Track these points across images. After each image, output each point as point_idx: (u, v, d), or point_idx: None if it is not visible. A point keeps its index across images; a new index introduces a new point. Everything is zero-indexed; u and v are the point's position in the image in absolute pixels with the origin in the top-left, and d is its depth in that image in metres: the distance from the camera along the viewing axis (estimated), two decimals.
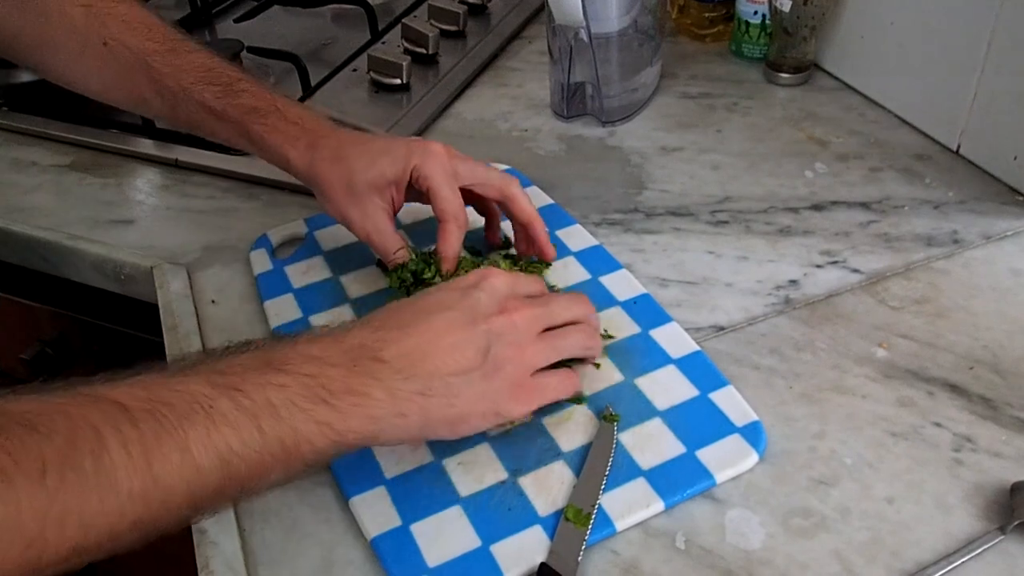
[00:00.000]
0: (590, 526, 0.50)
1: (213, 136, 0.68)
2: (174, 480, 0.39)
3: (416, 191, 0.63)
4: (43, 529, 0.35)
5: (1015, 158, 0.75)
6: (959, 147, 0.80)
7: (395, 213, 0.64)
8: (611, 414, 0.56)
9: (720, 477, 0.53)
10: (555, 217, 0.74)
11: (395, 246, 0.63)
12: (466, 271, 0.60)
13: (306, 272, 0.70)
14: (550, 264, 0.68)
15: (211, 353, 0.47)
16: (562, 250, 0.70)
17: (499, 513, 0.52)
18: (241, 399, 0.42)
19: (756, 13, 0.92)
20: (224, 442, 0.41)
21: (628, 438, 0.55)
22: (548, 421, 0.57)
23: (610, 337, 0.62)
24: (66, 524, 0.36)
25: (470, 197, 0.65)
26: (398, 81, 0.91)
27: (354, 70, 0.96)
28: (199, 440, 0.40)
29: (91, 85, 0.69)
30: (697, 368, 0.60)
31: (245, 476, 0.42)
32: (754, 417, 0.56)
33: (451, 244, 0.61)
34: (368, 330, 0.49)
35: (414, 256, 0.63)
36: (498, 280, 0.53)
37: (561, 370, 0.55)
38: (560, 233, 0.72)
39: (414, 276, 0.62)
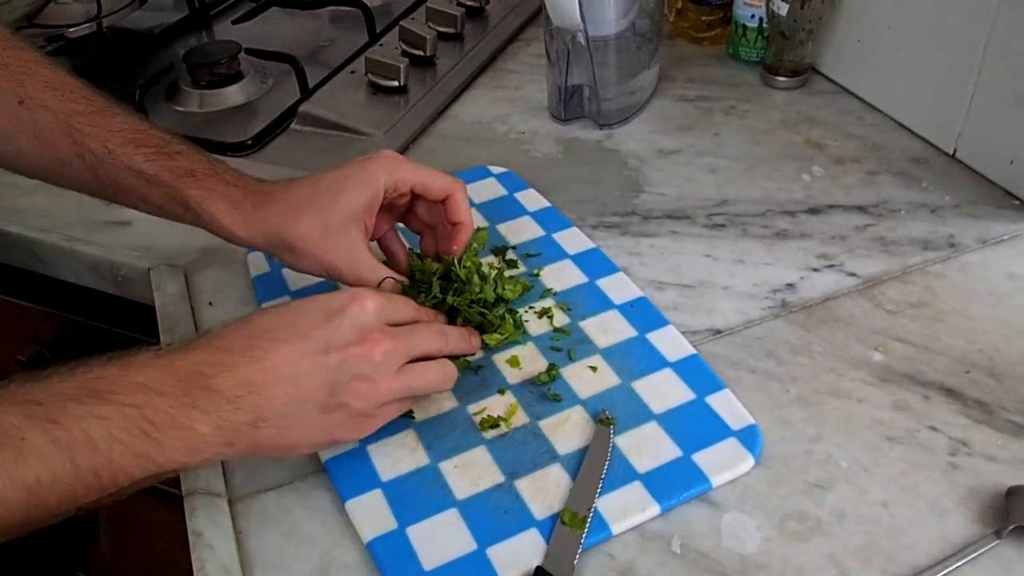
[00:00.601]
0: (586, 529, 0.50)
1: (143, 203, 0.62)
2: None
3: (383, 210, 0.61)
4: None
5: (1011, 162, 0.75)
6: (955, 151, 0.80)
7: (370, 240, 0.61)
8: (607, 417, 0.57)
9: (716, 481, 0.53)
10: (552, 220, 0.74)
11: (380, 273, 0.60)
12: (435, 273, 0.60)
13: (302, 274, 0.70)
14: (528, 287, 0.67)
15: (33, 377, 0.45)
16: (559, 253, 0.70)
17: (495, 516, 0.52)
18: (56, 431, 0.42)
19: (753, 16, 0.92)
20: (32, 475, 0.41)
21: (624, 441, 0.55)
22: (544, 424, 0.57)
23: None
24: None
25: (407, 214, 0.64)
26: (396, 83, 0.91)
27: (352, 72, 0.96)
28: (4, 475, 0.40)
29: (9, 148, 0.62)
30: (693, 371, 0.60)
31: (55, 505, 0.42)
32: (750, 421, 0.56)
33: (467, 209, 0.61)
34: (208, 351, 0.48)
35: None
36: (368, 306, 0.51)
37: (397, 401, 0.53)
38: (557, 236, 0.72)
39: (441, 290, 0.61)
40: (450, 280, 0.61)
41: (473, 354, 0.60)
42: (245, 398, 0.47)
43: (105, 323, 0.87)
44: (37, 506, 0.41)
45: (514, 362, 0.61)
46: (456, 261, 0.61)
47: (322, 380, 0.49)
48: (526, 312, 0.65)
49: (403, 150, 0.85)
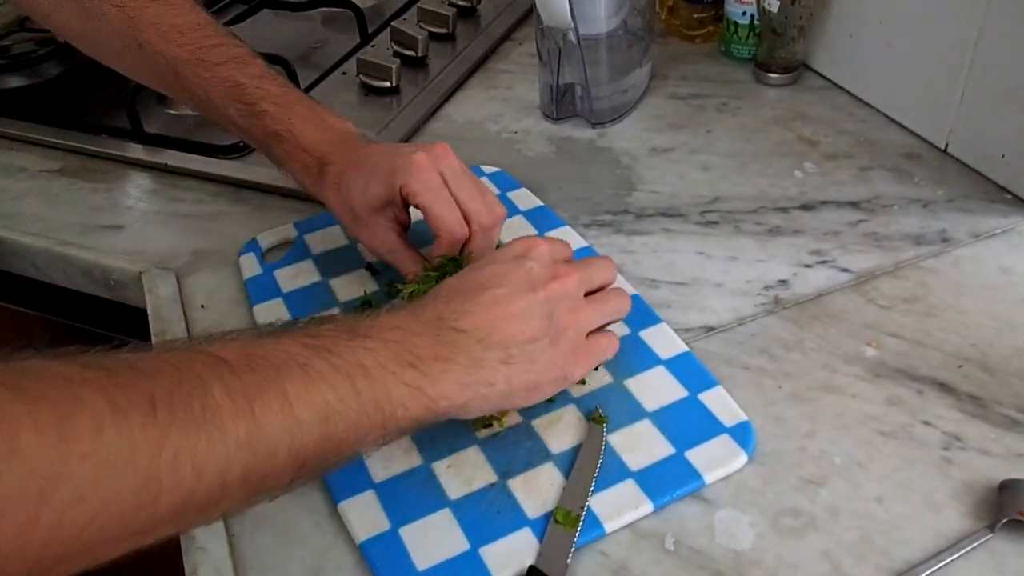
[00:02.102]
0: (579, 528, 0.50)
1: (245, 142, 0.71)
2: (277, 431, 0.39)
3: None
4: (157, 467, 0.35)
5: (1003, 156, 0.75)
6: (947, 146, 0.80)
7: (405, 227, 0.64)
8: (600, 415, 0.56)
9: (709, 478, 0.53)
10: (545, 219, 0.74)
11: (409, 263, 0.63)
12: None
13: (295, 276, 0.70)
14: None
15: (293, 323, 0.47)
16: None
17: (488, 516, 0.51)
18: (334, 359, 0.43)
19: (744, 14, 0.92)
20: (322, 397, 0.41)
21: (617, 439, 0.55)
22: (537, 423, 0.57)
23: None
24: (179, 463, 0.35)
25: None
26: (387, 84, 0.91)
27: (343, 73, 0.96)
28: (298, 394, 0.40)
29: (140, 80, 0.73)
30: (686, 369, 0.60)
31: (343, 436, 0.42)
32: (743, 417, 0.56)
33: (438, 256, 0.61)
34: (441, 303, 0.50)
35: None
36: (543, 248, 0.54)
37: (604, 333, 0.57)
38: (550, 235, 0.72)
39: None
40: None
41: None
42: (491, 336, 0.49)
43: (100, 328, 0.87)
44: (329, 434, 0.41)
45: None
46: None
47: (541, 314, 0.51)
48: None
49: None
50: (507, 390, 0.50)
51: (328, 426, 0.41)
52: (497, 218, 0.63)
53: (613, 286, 0.58)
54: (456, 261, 0.61)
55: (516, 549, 0.50)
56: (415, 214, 0.63)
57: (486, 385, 0.48)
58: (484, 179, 0.79)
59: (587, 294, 0.56)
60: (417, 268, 0.62)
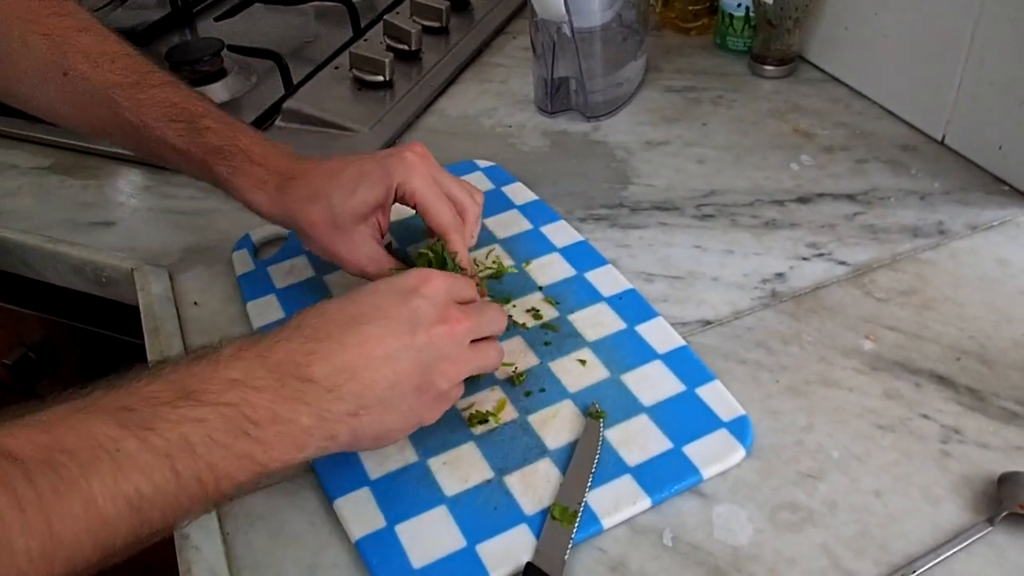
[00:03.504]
0: (576, 524, 0.50)
1: (180, 170, 0.66)
2: (79, 535, 0.37)
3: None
4: None
5: (1000, 147, 0.75)
6: (944, 137, 0.80)
7: (383, 235, 0.62)
8: (597, 411, 0.56)
9: (707, 472, 0.53)
10: (540, 213, 0.73)
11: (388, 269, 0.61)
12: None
13: (289, 272, 0.69)
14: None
15: (124, 379, 0.43)
16: (547, 246, 0.70)
17: (485, 512, 0.51)
18: (152, 439, 0.39)
19: (740, 6, 0.92)
20: (133, 488, 0.38)
21: (614, 435, 0.55)
22: (533, 419, 0.56)
23: (512, 367, 0.60)
24: None
25: None
26: (381, 78, 0.90)
27: (336, 68, 0.95)
28: (104, 490, 0.37)
29: (58, 114, 0.66)
30: (683, 363, 0.59)
31: (159, 519, 0.40)
32: (741, 411, 0.56)
33: (462, 254, 0.60)
34: (298, 341, 0.46)
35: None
36: (439, 285, 0.51)
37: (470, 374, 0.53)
38: (545, 229, 0.72)
39: None
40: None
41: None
42: (344, 386, 0.45)
43: (92, 325, 0.86)
44: (142, 522, 0.39)
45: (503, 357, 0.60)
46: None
47: (414, 361, 0.48)
48: (513, 307, 0.64)
49: (389, 145, 0.85)
50: (350, 441, 0.47)
51: (141, 515, 0.39)
52: (480, 207, 0.63)
53: (494, 340, 0.55)
54: (442, 258, 0.60)
55: (513, 546, 0.49)
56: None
57: (327, 439, 0.45)
58: (478, 174, 0.79)
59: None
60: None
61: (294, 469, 0.46)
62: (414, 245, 0.70)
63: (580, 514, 0.50)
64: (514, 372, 0.59)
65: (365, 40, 0.99)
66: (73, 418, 0.39)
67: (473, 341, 0.52)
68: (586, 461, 0.53)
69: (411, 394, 0.48)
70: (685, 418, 0.56)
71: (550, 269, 0.68)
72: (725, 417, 0.55)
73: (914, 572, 0.47)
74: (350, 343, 0.46)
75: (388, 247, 0.69)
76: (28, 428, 0.38)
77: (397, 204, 0.61)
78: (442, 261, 0.59)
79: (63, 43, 0.63)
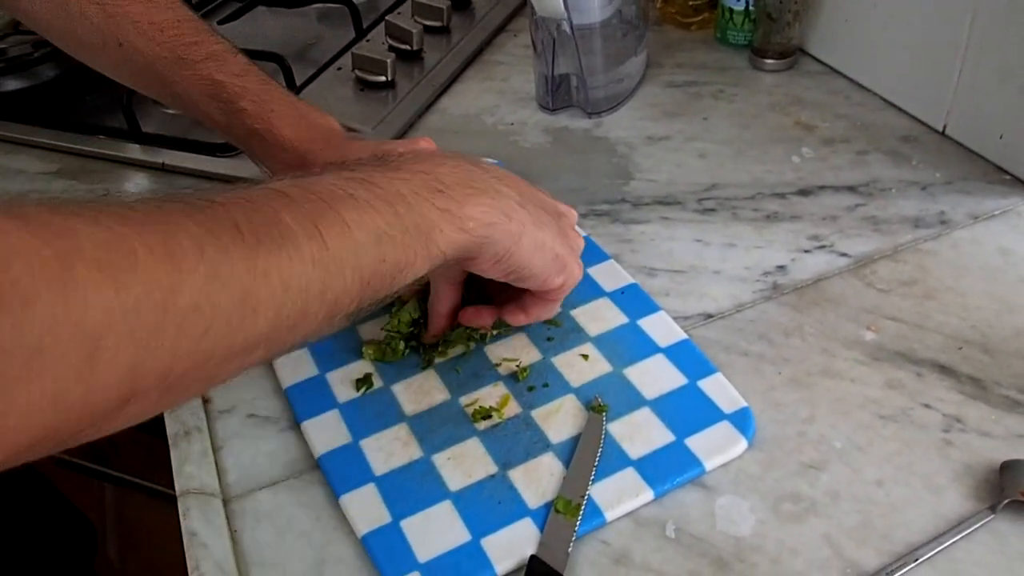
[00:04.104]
0: (580, 517, 0.50)
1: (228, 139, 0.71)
2: (341, 251, 0.41)
3: None
4: (253, 281, 0.37)
5: (1001, 137, 0.75)
6: (945, 128, 0.80)
7: None
8: (600, 405, 0.56)
9: (709, 464, 0.53)
10: None
11: None
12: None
13: None
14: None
15: (328, 165, 0.49)
16: None
17: (489, 507, 0.52)
18: (375, 189, 0.45)
19: (739, 0, 0.92)
20: (372, 222, 0.43)
21: (617, 428, 0.55)
22: (536, 413, 0.57)
23: (516, 363, 0.61)
24: (269, 279, 0.38)
25: None
26: (383, 78, 0.91)
27: (339, 69, 0.96)
28: (353, 218, 0.42)
29: (120, 79, 0.71)
30: (685, 356, 0.60)
31: (395, 258, 0.44)
32: (743, 404, 0.56)
33: None
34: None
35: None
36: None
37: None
38: None
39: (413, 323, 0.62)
40: None
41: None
42: (506, 179, 0.53)
43: None
44: (383, 255, 0.44)
45: (506, 353, 0.61)
46: None
47: (551, 221, 0.55)
48: None
49: None
50: (521, 231, 0.51)
51: (382, 247, 0.44)
52: None
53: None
54: None
55: (517, 539, 0.50)
56: None
57: (505, 215, 0.50)
58: None
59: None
60: None
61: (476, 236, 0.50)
62: None
63: (583, 507, 0.51)
64: (517, 368, 0.60)
65: (367, 41, 1.00)
66: (306, 179, 0.44)
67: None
68: (589, 455, 0.54)
69: (554, 226, 0.54)
70: (687, 411, 0.56)
71: None
72: (727, 409, 0.56)
73: (916, 560, 0.48)
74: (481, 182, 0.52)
75: None
76: (278, 182, 0.43)
77: None
78: None
79: (115, 12, 0.65)
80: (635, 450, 0.54)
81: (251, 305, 0.37)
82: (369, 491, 0.53)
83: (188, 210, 0.37)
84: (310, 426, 0.57)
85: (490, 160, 0.80)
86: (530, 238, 0.52)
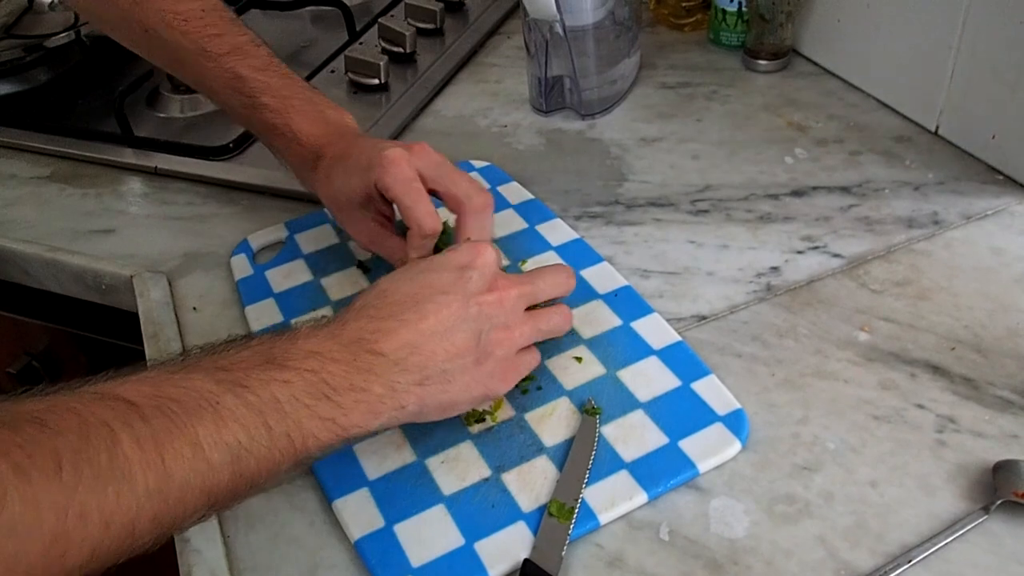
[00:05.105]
0: (573, 520, 0.50)
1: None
2: (187, 476, 0.39)
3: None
4: (64, 525, 0.35)
5: (993, 136, 0.75)
6: (938, 128, 0.80)
7: (391, 219, 0.65)
8: (593, 407, 0.56)
9: (703, 467, 0.53)
10: (535, 212, 0.74)
11: (396, 250, 0.63)
12: None
13: (287, 276, 0.70)
14: None
15: (211, 349, 0.46)
16: (542, 244, 0.70)
17: (482, 510, 0.51)
18: (247, 395, 0.43)
19: (732, 1, 0.92)
20: (233, 437, 0.41)
21: (611, 431, 0.55)
22: (530, 416, 0.57)
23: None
24: (87, 520, 0.35)
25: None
26: (376, 81, 0.91)
27: (332, 72, 0.96)
28: (209, 436, 0.40)
29: (152, 62, 0.73)
30: (679, 358, 0.60)
31: (254, 472, 0.42)
32: (736, 405, 0.56)
33: (412, 250, 0.61)
34: (365, 320, 0.49)
35: None
36: (490, 256, 0.54)
37: (528, 349, 0.56)
38: (540, 227, 0.72)
39: None
40: None
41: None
42: (409, 359, 0.48)
43: (95, 333, 0.87)
44: (240, 472, 0.42)
45: None
46: None
47: (469, 331, 0.51)
48: None
49: None
50: (419, 411, 0.49)
51: (239, 464, 0.41)
52: (487, 200, 0.62)
53: (561, 305, 0.58)
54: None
55: (511, 543, 0.50)
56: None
57: (398, 408, 0.48)
58: (474, 173, 0.79)
59: (535, 307, 0.56)
60: (404, 254, 0.62)
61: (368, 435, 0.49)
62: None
63: (577, 510, 0.51)
64: None
65: (360, 43, 1.00)
66: (175, 375, 0.42)
67: (530, 309, 0.55)
68: (583, 457, 0.53)
69: (472, 367, 0.51)
70: (681, 413, 0.56)
71: None
72: (721, 411, 0.56)
73: (910, 561, 0.48)
74: (411, 320, 0.49)
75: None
76: (136, 381, 0.41)
77: None
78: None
79: (141, 0, 0.67)
80: (629, 453, 0.54)
81: (60, 549, 0.35)
82: (362, 496, 0.53)
83: (5, 441, 0.35)
84: None
85: (483, 163, 0.80)
86: (433, 410, 0.50)
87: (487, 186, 0.77)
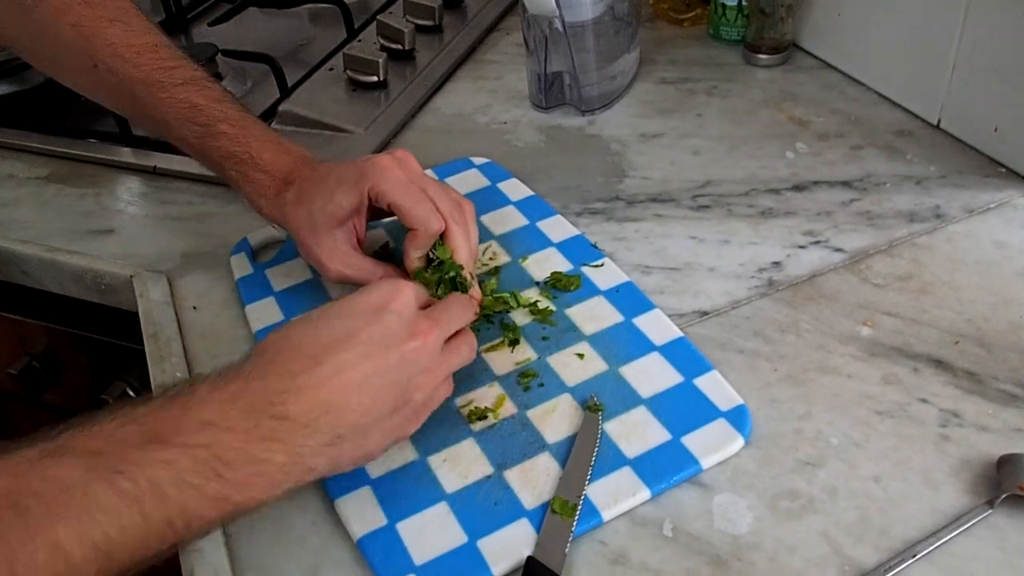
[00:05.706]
0: (576, 517, 0.50)
1: (201, 164, 0.69)
2: None
3: (378, 210, 0.61)
4: None
5: (995, 129, 0.74)
6: (939, 121, 0.80)
7: (360, 242, 0.63)
8: (595, 404, 0.56)
9: (706, 463, 0.53)
10: (536, 208, 0.74)
11: (374, 273, 0.61)
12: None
13: (287, 274, 0.70)
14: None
15: (92, 420, 0.42)
16: (543, 242, 0.70)
17: (485, 508, 0.51)
18: (121, 482, 0.39)
19: None
20: (100, 533, 0.38)
21: (613, 427, 0.55)
22: (532, 413, 0.56)
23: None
24: None
25: None
26: (375, 78, 0.91)
27: (330, 69, 0.95)
28: (71, 535, 0.37)
29: (96, 99, 0.71)
30: (681, 354, 0.59)
31: (127, 560, 0.39)
32: (739, 401, 0.56)
33: (414, 249, 0.60)
34: (273, 378, 0.45)
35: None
36: (407, 297, 0.50)
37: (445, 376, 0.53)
38: (541, 224, 0.72)
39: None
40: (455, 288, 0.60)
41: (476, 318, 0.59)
42: (320, 419, 0.45)
43: (95, 333, 0.87)
44: (109, 565, 0.38)
45: (501, 352, 0.61)
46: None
47: (389, 382, 0.47)
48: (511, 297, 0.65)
49: (384, 145, 0.85)
50: (330, 469, 0.47)
51: (108, 558, 0.38)
52: (469, 213, 0.62)
53: (465, 333, 0.55)
54: (454, 264, 0.60)
55: (514, 540, 0.49)
56: None
57: (305, 472, 0.45)
58: (474, 170, 0.79)
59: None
60: (381, 275, 0.61)
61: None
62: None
63: (580, 507, 0.50)
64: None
65: (359, 41, 0.99)
66: (42, 462, 0.39)
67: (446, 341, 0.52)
68: (585, 454, 0.53)
69: (388, 416, 0.48)
70: (683, 409, 0.56)
71: (547, 264, 0.68)
72: (723, 407, 0.56)
73: (915, 556, 0.47)
74: (325, 375, 0.45)
75: (384, 247, 0.69)
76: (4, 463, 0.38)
77: None
78: (440, 265, 0.60)
79: (92, 34, 0.65)
80: (631, 449, 0.54)
81: None
82: (365, 494, 0.53)
83: None
84: None
85: (483, 160, 0.80)
86: (346, 465, 0.47)
87: (488, 185, 0.77)
